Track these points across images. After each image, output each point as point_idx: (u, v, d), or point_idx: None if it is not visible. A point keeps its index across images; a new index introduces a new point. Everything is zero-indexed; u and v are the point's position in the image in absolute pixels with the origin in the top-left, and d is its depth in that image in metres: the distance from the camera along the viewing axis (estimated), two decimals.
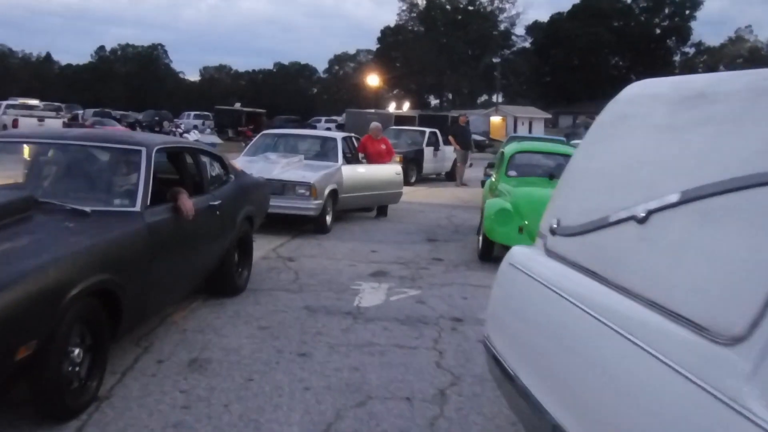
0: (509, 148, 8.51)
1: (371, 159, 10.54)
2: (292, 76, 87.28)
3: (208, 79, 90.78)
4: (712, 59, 62.22)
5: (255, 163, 8.98)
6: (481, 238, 7.71)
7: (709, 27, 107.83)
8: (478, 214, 11.41)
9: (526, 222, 7.17)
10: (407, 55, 69.95)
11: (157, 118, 44.31)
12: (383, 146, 10.64)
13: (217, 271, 5.23)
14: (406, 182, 15.94)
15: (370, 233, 9.17)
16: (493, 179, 8.91)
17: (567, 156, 8.43)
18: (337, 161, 9.58)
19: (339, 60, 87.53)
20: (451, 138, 16.95)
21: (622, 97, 2.55)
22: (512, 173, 8.25)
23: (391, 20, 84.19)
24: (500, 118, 50.39)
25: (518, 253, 2.84)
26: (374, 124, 10.97)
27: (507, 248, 3.39)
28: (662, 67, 64.48)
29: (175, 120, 42.43)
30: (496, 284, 2.99)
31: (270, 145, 10.28)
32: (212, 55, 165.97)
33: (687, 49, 70.05)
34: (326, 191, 8.77)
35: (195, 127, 41.61)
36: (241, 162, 9.29)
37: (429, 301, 5.78)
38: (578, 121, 70.18)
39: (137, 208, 3.86)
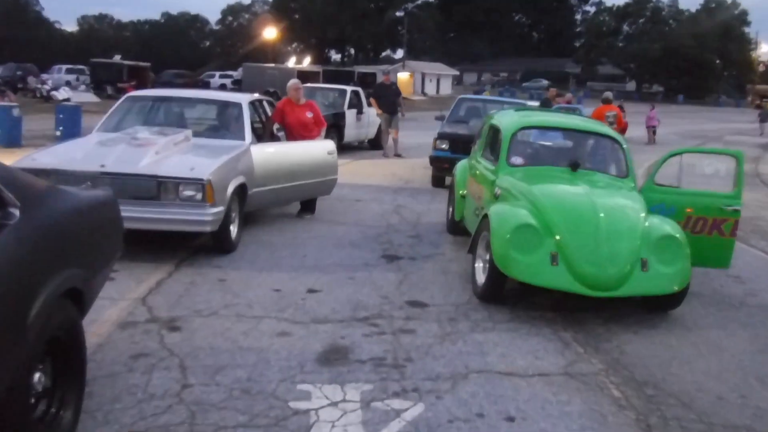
0: (507, 122, 5.56)
1: (292, 132, 7.29)
2: (182, 28, 79.89)
3: (87, 29, 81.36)
4: (614, 18, 62.29)
5: (111, 147, 5.50)
6: (480, 266, 4.83)
7: None
8: (432, 205, 8.58)
9: (561, 245, 4.37)
10: (306, 6, 64.92)
11: (20, 73, 37.63)
12: (309, 113, 7.38)
13: None
14: None
15: (298, 248, 6.03)
16: (480, 162, 6.00)
17: (597, 135, 5.67)
18: (243, 138, 6.27)
19: (233, 11, 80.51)
20: (373, 101, 13.75)
21: None
22: (517, 160, 5.35)
23: None
24: (408, 74, 47.55)
25: None
26: (293, 82, 7.60)
27: None
28: (565, 27, 64.32)
29: (42, 75, 36.00)
30: None
31: (140, 115, 6.75)
32: (92, 4, 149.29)
33: (588, 8, 70.03)
34: (229, 189, 5.50)
35: (68, 83, 35.58)
36: (91, 143, 5.78)
37: None
38: (483, 79, 68.94)
39: None
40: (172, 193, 5.12)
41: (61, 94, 27.43)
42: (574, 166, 5.20)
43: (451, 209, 6.87)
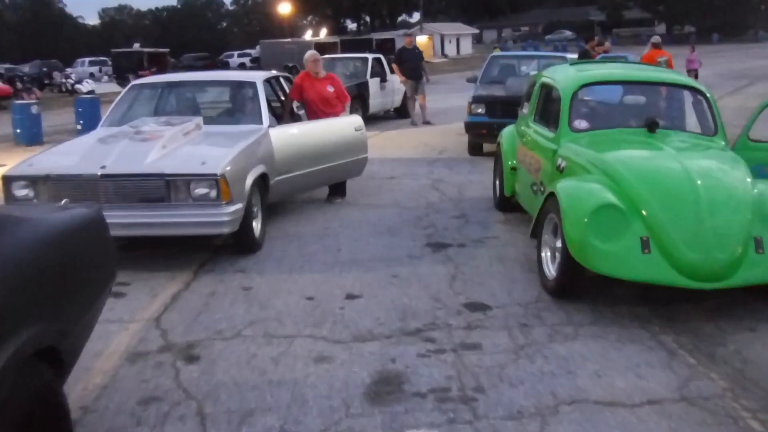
0: (564, 80, 4.58)
1: (313, 109, 6.46)
2: (199, 11, 79.09)
3: (109, 21, 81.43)
4: None
5: (113, 144, 4.75)
6: (548, 254, 3.99)
7: None
8: (472, 176, 7.69)
9: (653, 227, 3.49)
10: None
11: (45, 69, 37.41)
12: (330, 87, 6.51)
13: None
14: None
15: (331, 240, 5.26)
16: (533, 128, 5.08)
17: (675, 86, 4.69)
18: (260, 121, 5.46)
19: None
20: (395, 67, 12.70)
21: None
22: (581, 124, 4.42)
23: None
24: (426, 37, 45.84)
25: None
26: (310, 54, 6.69)
27: None
28: None
29: (67, 70, 35.67)
30: None
31: (146, 104, 5.99)
32: None
33: None
34: (248, 181, 4.72)
35: (91, 75, 35.25)
36: (91, 142, 5.08)
37: None
38: (503, 35, 66.43)
39: None
40: (183, 192, 4.37)
41: (85, 86, 26.99)
42: (652, 126, 4.26)
43: (498, 183, 6.00)
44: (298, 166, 5.62)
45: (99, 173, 4.35)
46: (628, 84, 4.72)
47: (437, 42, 46.28)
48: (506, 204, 5.79)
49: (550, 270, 3.98)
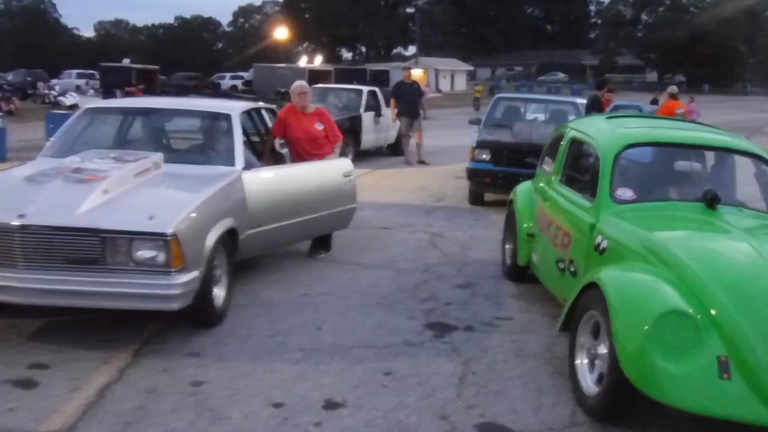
0: (603, 138, 3.70)
1: (298, 149, 5.57)
2: (195, 31, 78.99)
3: (104, 35, 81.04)
4: (633, 7, 59.29)
5: (41, 185, 3.80)
6: (584, 363, 3.09)
7: None
8: (475, 231, 6.79)
9: (734, 343, 2.61)
10: (317, 5, 63.21)
11: (29, 79, 36.43)
12: (319, 125, 5.63)
13: None
14: None
15: (310, 312, 4.30)
16: (559, 191, 4.21)
17: (736, 152, 3.87)
18: (233, 162, 4.54)
19: (244, 12, 79.26)
20: (392, 102, 11.86)
21: None
22: (625, 194, 3.55)
23: None
24: (421, 70, 45.61)
25: None
26: (297, 85, 5.72)
27: None
28: (579, 18, 61.65)
29: (52, 81, 34.67)
30: None
31: (99, 134, 5.06)
32: (108, 9, 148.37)
33: None
34: (209, 240, 3.78)
35: (78, 87, 34.24)
36: (16, 179, 4.13)
37: None
38: (497, 73, 66.66)
39: None
40: (123, 254, 3.42)
41: (68, 99, 25.88)
42: (712, 201, 3.42)
43: (509, 247, 5.12)
44: (276, 218, 4.69)
45: (15, 223, 3.39)
46: (681, 147, 3.88)
47: (431, 76, 46.05)
48: (519, 274, 4.90)
49: (589, 383, 3.06)
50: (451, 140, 16.23)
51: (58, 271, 3.42)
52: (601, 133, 3.93)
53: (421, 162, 11.73)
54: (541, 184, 4.65)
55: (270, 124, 5.73)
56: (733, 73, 54.13)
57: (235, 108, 4.99)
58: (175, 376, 3.35)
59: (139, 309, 3.53)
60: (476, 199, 8.05)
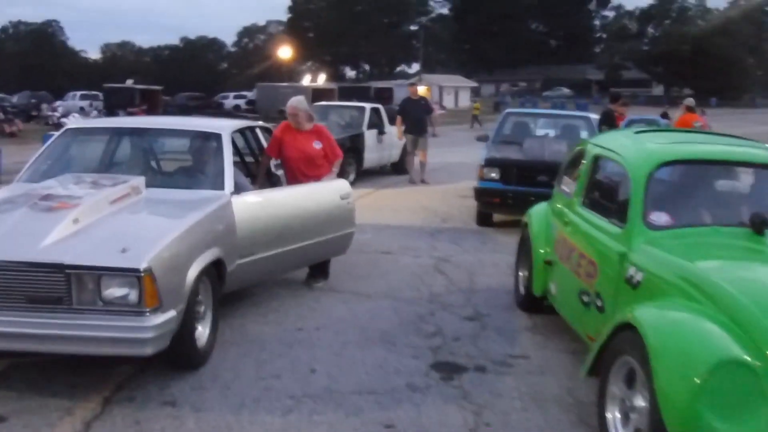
0: (632, 154, 3.29)
1: (293, 170, 5.20)
2: (200, 51, 79.71)
3: (110, 57, 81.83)
4: (637, 21, 59.05)
5: (5, 214, 3.43)
6: (617, 418, 2.66)
7: None
8: (483, 255, 6.24)
9: None
10: (320, 24, 63.51)
11: (34, 101, 36.51)
12: (317, 144, 5.26)
13: None
14: None
15: (303, 350, 3.88)
16: (581, 215, 3.81)
17: None
18: (222, 186, 4.15)
19: (248, 32, 79.83)
20: (398, 119, 11.48)
21: None
22: (660, 218, 3.14)
23: None
24: (425, 87, 45.47)
25: None
26: (296, 101, 5.33)
27: None
28: (583, 32, 61.48)
29: (56, 102, 34.67)
30: None
31: (80, 156, 4.71)
32: (114, 32, 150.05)
33: (607, 13, 66.86)
34: (191, 274, 3.37)
35: (81, 109, 34.19)
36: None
37: None
38: (501, 89, 66.48)
39: None
40: (90, 292, 3.03)
41: (71, 121, 25.88)
42: (761, 226, 3.01)
43: (523, 275, 4.71)
44: (268, 246, 4.31)
45: None
46: (721, 164, 3.47)
47: (435, 93, 45.91)
48: (534, 304, 4.49)
49: None
50: (455, 157, 15.90)
51: (18, 311, 3.03)
52: (630, 150, 3.53)
53: (423, 182, 11.35)
54: (560, 206, 4.25)
55: (265, 143, 5.37)
56: (741, 85, 53.68)
57: (225, 127, 4.63)
58: (148, 428, 2.94)
59: (108, 355, 3.13)
60: (484, 220, 7.65)
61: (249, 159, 5.46)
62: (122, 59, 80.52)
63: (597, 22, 66.21)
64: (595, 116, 9.00)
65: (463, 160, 15.36)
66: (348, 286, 5.18)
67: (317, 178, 5.11)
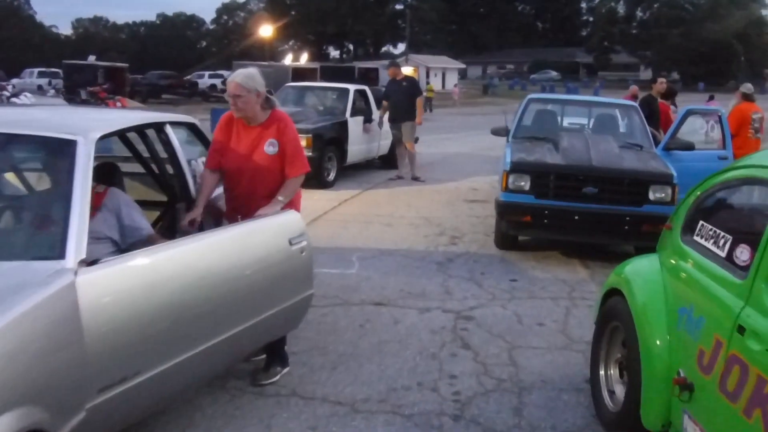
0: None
1: (234, 192, 3.16)
2: (178, 29, 76.28)
3: (83, 32, 77.88)
4: (627, 4, 56.95)
5: None
6: None
7: None
8: (522, 303, 3.80)
9: None
10: (304, 1, 60.53)
11: None
12: (270, 146, 3.15)
13: None
14: (321, 180, 8.57)
15: None
16: (757, 298, 1.85)
17: None
18: (59, 251, 2.08)
19: (228, 9, 76.43)
20: (384, 105, 9.36)
21: None
22: None
23: None
24: (412, 68, 43.25)
25: None
26: (240, 75, 3.16)
27: None
28: (570, 15, 59.43)
29: (13, 80, 31.82)
30: None
31: None
32: (86, 7, 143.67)
33: None
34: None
35: (39, 87, 31.42)
36: None
37: None
38: (489, 72, 64.22)
39: None
40: None
41: (22, 101, 23.28)
42: None
43: (605, 374, 2.74)
44: (162, 355, 2.27)
45: None
46: None
47: (422, 73, 43.69)
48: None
49: None
50: (450, 147, 13.90)
51: None
52: None
53: (415, 179, 9.33)
54: (707, 286, 2.26)
55: (184, 151, 3.27)
56: (729, 70, 52.25)
57: (90, 129, 2.46)
58: None
59: None
60: (507, 241, 5.66)
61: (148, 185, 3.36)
62: (97, 35, 76.85)
63: (584, 5, 64.10)
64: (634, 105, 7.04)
65: (460, 149, 13.39)
66: (319, 385, 3.15)
67: (266, 197, 3.06)
